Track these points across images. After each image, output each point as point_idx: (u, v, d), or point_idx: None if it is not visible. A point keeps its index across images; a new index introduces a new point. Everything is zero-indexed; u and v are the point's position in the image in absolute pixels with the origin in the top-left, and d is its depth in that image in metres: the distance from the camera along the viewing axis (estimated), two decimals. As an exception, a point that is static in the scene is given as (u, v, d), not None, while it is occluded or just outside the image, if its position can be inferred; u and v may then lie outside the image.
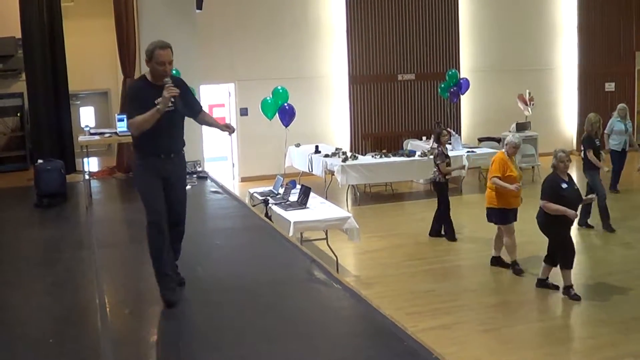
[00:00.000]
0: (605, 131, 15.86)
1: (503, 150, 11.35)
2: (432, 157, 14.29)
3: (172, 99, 6.42)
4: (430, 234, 13.32)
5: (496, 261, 11.44)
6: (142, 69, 13.85)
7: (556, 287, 10.11)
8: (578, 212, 10.43)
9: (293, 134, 17.23)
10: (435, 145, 13.68)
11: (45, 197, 11.48)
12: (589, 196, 10.75)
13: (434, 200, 13.52)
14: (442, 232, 13.26)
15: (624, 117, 15.93)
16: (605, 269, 11.28)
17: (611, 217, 13.34)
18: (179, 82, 6.77)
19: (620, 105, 16.35)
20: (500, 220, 11.15)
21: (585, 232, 13.31)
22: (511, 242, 11.18)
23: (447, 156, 13.17)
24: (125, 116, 11.34)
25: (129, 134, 11.29)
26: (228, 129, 7.05)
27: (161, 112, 6.39)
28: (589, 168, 13.27)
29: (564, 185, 9.87)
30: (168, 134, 6.67)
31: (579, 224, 12.95)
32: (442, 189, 13.25)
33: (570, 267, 9.97)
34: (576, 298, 9.83)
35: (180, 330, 6.20)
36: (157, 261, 6.68)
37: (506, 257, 11.34)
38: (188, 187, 12.53)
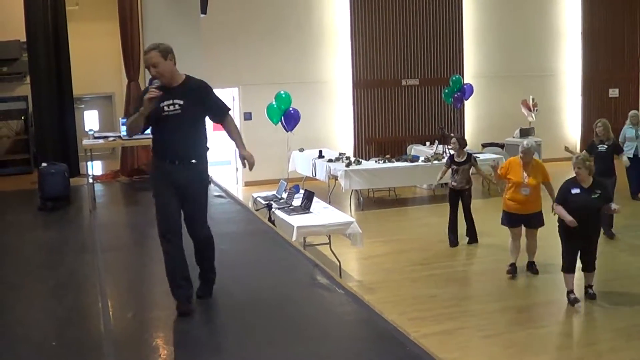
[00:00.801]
0: (620, 139, 15.85)
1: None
2: (436, 162, 14.34)
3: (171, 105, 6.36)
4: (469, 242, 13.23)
5: (528, 267, 11.44)
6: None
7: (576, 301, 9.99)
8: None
9: (297, 138, 17.26)
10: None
11: (49, 200, 11.48)
12: (612, 207, 10.45)
13: (437, 205, 13.55)
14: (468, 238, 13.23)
15: (635, 124, 15.97)
16: (609, 275, 11.25)
17: (618, 224, 13.33)
18: (198, 85, 6.66)
19: (632, 112, 16.43)
20: (502, 221, 11.37)
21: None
22: (511, 245, 11.35)
23: (455, 163, 13.11)
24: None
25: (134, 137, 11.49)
26: (245, 160, 6.70)
27: (144, 114, 6.29)
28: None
29: (575, 191, 9.76)
30: (178, 139, 6.44)
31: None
32: (449, 196, 13.29)
33: (565, 271, 9.98)
34: (575, 301, 9.85)
35: (182, 334, 6.21)
36: (168, 272, 6.54)
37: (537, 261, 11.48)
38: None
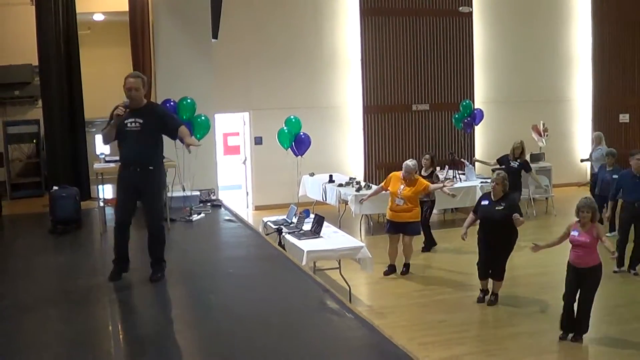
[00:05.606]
0: (587, 157, 18.00)
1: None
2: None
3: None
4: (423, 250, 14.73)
5: (404, 267, 13.11)
6: (158, 97, 13.99)
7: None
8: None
9: (307, 163, 17.26)
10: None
11: (60, 223, 11.53)
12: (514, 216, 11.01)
13: (447, 230, 13.65)
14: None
15: (596, 144, 17.54)
16: (616, 301, 11.24)
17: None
18: (154, 107, 8.69)
19: (596, 134, 18.20)
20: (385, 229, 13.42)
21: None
22: (389, 249, 13.09)
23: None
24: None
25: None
26: (188, 147, 8.37)
27: (115, 127, 8.19)
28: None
29: (484, 203, 11.16)
30: (135, 149, 8.19)
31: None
32: None
33: (480, 277, 11.32)
34: (480, 300, 11.26)
35: (192, 358, 6.21)
36: (114, 250, 8.47)
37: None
38: (202, 215, 12.65)
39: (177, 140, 8.78)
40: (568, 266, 9.63)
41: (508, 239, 11.00)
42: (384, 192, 13.33)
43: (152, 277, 8.40)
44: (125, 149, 8.30)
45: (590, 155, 17.49)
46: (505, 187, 11.02)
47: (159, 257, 8.51)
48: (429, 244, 14.76)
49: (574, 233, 9.51)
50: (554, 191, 18.89)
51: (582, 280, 9.47)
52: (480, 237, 11.19)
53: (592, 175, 17.25)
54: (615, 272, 12.45)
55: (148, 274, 8.42)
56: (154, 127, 8.28)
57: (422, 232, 13.96)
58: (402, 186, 12.70)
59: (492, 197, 11.03)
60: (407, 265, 13.01)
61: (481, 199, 11.43)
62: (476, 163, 19.86)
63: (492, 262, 11.08)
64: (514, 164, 15.85)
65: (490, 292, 11.25)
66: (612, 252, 9.75)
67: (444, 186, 13.47)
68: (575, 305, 9.60)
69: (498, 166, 15.91)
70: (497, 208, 10.87)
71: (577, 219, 9.60)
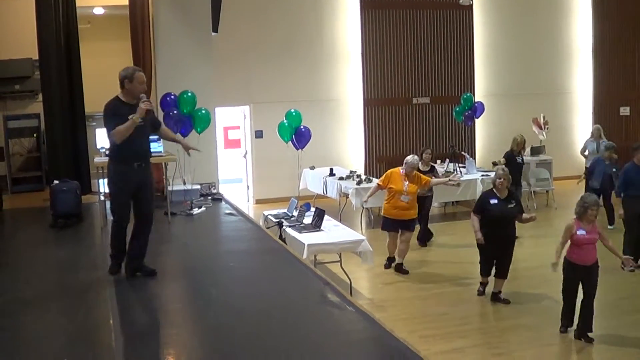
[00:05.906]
0: (581, 152, 18.05)
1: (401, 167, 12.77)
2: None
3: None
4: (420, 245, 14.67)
5: (396, 268, 12.84)
6: (159, 91, 13.99)
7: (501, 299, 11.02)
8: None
9: (308, 156, 17.25)
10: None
11: (60, 217, 11.55)
12: (524, 216, 11.03)
13: (448, 223, 13.60)
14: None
15: (597, 138, 17.47)
16: (618, 293, 11.24)
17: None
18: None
19: (595, 127, 18.29)
20: (382, 226, 13.06)
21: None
22: (388, 244, 12.98)
23: (420, 172, 13.42)
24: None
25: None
26: (187, 150, 8.90)
27: (137, 122, 7.82)
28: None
29: (493, 201, 10.80)
30: (144, 145, 8.29)
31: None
32: None
33: (484, 275, 11.23)
34: (481, 294, 11.23)
35: (193, 351, 6.21)
36: (113, 245, 8.42)
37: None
38: (202, 208, 12.67)
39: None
40: (568, 265, 9.52)
41: (514, 235, 10.99)
42: (380, 190, 13.20)
43: (149, 273, 8.44)
44: (132, 144, 7.99)
45: (596, 149, 17.28)
46: (509, 183, 10.97)
47: (144, 242, 8.52)
48: (427, 237, 14.73)
49: (582, 232, 9.37)
50: (555, 184, 18.86)
51: (584, 277, 9.44)
52: (484, 235, 10.85)
53: (587, 168, 17.15)
54: (632, 270, 12.32)
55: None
56: (150, 122, 8.33)
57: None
58: (406, 183, 12.56)
59: (499, 194, 10.82)
60: (400, 265, 12.76)
61: (488, 198, 10.91)
62: (477, 156, 19.92)
63: (501, 260, 10.92)
64: (519, 159, 15.84)
65: (494, 292, 11.05)
66: (627, 259, 9.94)
67: (449, 180, 13.43)
68: (578, 302, 9.60)
69: (500, 163, 15.80)
70: (509, 206, 10.76)
71: (575, 217, 9.54)
